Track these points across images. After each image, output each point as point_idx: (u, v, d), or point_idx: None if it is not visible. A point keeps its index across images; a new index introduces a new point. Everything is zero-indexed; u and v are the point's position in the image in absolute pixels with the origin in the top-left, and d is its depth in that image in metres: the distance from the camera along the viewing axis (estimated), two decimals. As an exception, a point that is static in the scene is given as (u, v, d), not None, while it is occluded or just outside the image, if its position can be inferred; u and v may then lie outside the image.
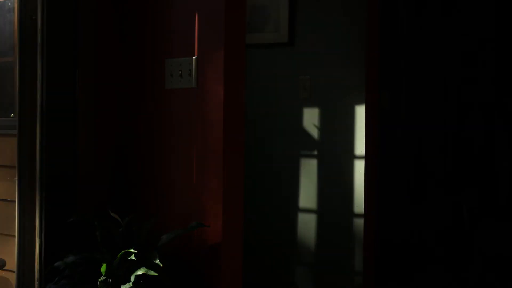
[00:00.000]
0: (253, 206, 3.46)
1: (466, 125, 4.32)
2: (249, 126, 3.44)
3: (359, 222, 3.31)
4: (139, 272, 2.02)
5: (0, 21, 2.96)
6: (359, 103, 3.30)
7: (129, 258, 2.05)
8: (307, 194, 3.45)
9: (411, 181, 4.41)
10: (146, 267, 2.04)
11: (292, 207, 3.49)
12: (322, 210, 3.41)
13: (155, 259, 2.05)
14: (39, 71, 2.31)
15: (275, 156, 3.57)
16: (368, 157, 3.31)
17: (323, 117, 3.42)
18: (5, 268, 2.49)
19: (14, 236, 2.41)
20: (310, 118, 3.45)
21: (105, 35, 2.50)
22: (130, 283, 1.98)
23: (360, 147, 3.32)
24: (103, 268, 2.02)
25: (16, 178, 2.39)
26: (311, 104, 3.44)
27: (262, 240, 3.57)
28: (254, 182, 3.50)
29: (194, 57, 2.27)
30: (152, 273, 2.03)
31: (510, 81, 4.16)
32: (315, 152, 3.45)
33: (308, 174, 3.45)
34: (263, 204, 3.57)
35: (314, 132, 3.45)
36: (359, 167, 3.31)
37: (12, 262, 2.46)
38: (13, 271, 2.44)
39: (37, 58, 2.32)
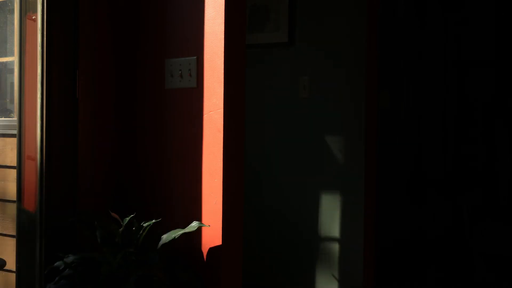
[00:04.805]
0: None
1: (467, 125, 4.32)
2: (248, 125, 3.44)
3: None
4: (139, 272, 2.02)
5: (1, 21, 2.96)
6: (359, 103, 3.30)
7: (129, 258, 2.05)
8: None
9: (410, 181, 4.42)
10: (146, 267, 2.04)
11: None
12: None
13: (155, 259, 2.05)
14: (39, 71, 2.31)
15: (272, 152, 3.58)
16: (368, 157, 3.30)
17: (322, 116, 3.42)
18: (5, 268, 2.49)
19: (14, 236, 2.41)
20: (310, 117, 3.46)
21: (105, 35, 2.50)
22: (131, 283, 1.97)
23: (357, 146, 3.32)
24: (103, 269, 2.02)
25: (16, 178, 2.39)
26: (310, 104, 3.44)
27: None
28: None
29: (194, 57, 2.27)
30: (152, 273, 2.03)
31: (510, 80, 4.16)
32: (314, 152, 3.46)
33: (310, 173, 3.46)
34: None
35: (313, 132, 3.45)
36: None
37: (12, 262, 2.46)
38: (13, 271, 2.44)
39: (37, 58, 2.32)
